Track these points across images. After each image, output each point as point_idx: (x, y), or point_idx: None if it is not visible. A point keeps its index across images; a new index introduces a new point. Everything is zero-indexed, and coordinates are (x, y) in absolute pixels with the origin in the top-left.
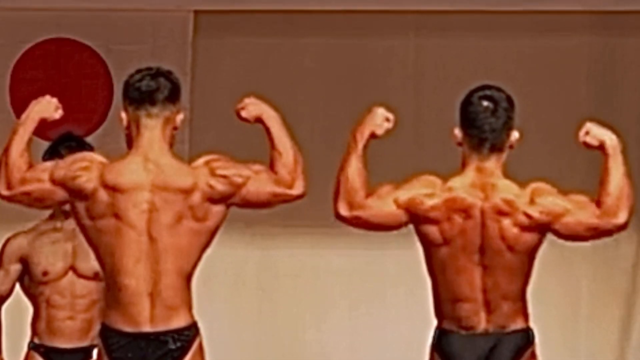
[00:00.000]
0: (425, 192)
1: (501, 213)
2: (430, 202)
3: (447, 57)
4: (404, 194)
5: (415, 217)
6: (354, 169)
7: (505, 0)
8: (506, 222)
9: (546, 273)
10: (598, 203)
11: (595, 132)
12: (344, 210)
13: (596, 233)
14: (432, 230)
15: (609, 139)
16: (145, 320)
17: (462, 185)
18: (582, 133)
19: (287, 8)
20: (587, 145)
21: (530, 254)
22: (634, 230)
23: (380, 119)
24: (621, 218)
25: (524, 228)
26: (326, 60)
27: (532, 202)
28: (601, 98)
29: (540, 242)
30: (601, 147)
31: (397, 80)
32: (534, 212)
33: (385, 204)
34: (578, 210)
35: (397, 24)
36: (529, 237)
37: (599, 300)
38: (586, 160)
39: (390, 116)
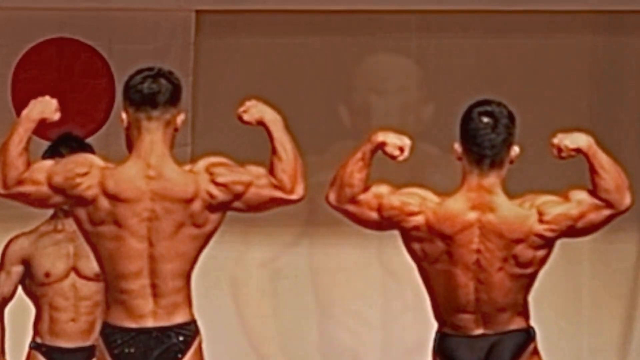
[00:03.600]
0: (411, 209)
1: (516, 241)
2: (413, 221)
3: (449, 56)
4: (389, 209)
5: (399, 231)
6: (356, 165)
7: (507, 0)
8: (520, 247)
9: (546, 273)
10: (600, 199)
11: (568, 144)
12: (333, 200)
13: (609, 222)
14: (416, 247)
15: (583, 141)
16: (148, 315)
17: (452, 209)
18: (555, 153)
19: (290, 8)
20: (566, 157)
21: (542, 265)
22: (634, 230)
23: (397, 142)
24: (627, 202)
25: (538, 247)
26: (328, 59)
27: (541, 221)
28: (603, 98)
29: (551, 251)
30: (579, 151)
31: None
32: (547, 233)
33: (371, 208)
34: (587, 213)
35: (398, 24)
36: (543, 252)
37: (600, 300)
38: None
39: (406, 150)
